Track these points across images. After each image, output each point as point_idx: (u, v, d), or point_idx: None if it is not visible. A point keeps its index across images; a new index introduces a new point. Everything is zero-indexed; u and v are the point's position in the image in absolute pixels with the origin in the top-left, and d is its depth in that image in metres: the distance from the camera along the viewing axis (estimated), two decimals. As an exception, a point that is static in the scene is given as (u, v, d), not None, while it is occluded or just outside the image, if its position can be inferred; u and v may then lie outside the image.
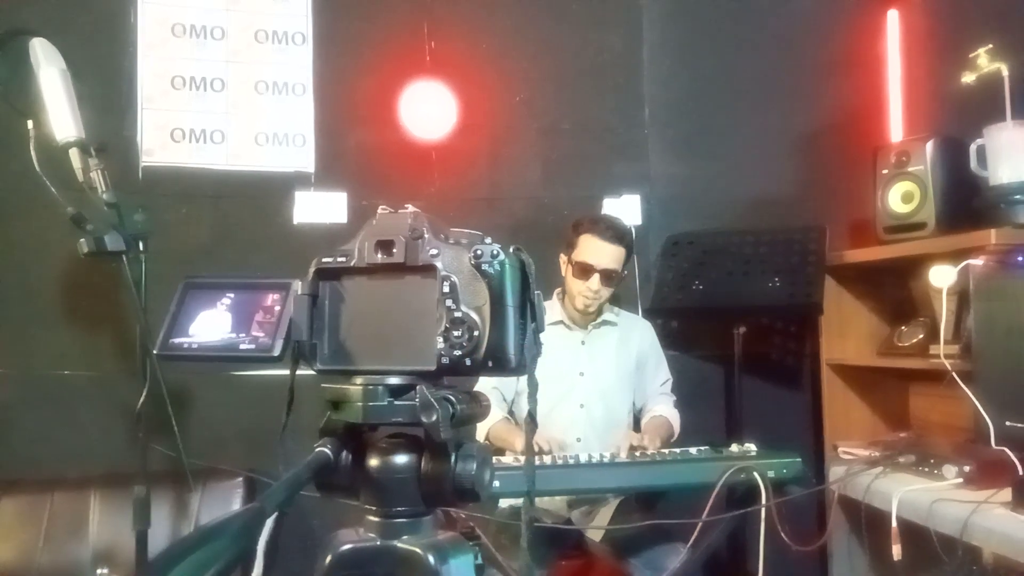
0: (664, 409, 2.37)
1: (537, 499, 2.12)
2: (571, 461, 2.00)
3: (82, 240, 1.75)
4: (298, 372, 0.76)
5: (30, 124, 1.80)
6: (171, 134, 2.54)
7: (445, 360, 0.70)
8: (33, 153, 1.77)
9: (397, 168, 2.65)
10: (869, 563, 2.38)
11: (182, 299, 0.80)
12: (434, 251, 0.72)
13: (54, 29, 1.95)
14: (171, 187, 2.51)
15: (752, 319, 2.56)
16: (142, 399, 1.82)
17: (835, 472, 2.30)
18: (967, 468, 1.90)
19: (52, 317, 2.42)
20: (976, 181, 2.17)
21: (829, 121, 2.77)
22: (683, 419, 2.40)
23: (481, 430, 2.17)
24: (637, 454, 2.04)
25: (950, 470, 1.94)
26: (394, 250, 0.73)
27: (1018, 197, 2.05)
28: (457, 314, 0.70)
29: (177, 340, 0.78)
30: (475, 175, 2.72)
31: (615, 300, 2.43)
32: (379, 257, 0.74)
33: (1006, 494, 1.74)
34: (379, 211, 0.76)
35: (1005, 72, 2.08)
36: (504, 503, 2.14)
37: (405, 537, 0.73)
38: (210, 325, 0.78)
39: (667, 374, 2.45)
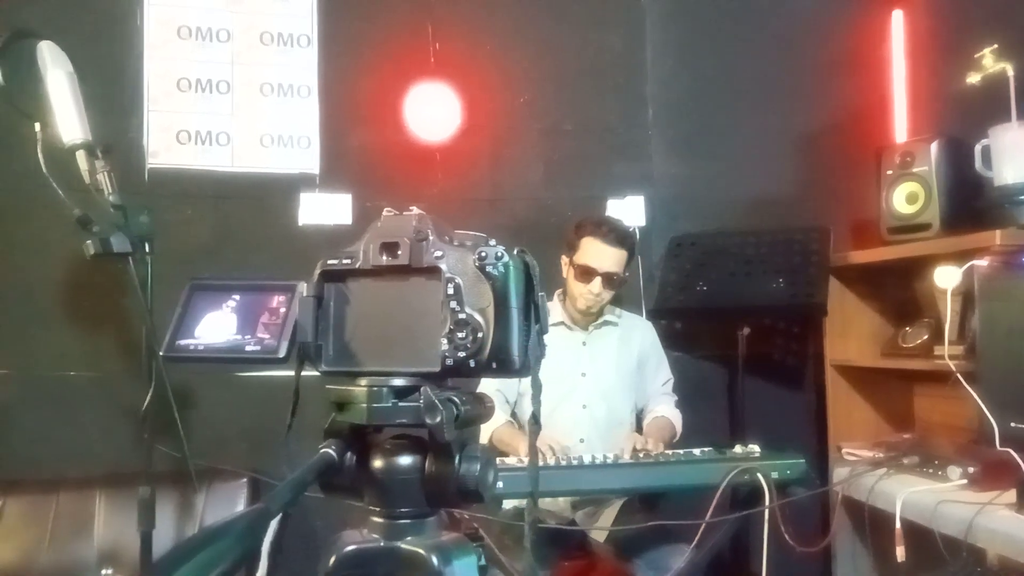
0: (666, 409, 2.37)
1: (540, 500, 2.12)
2: (574, 462, 2.00)
3: (88, 242, 1.76)
4: (303, 373, 0.76)
5: (37, 127, 1.81)
6: (176, 136, 2.55)
7: (449, 361, 0.71)
8: (40, 155, 1.78)
9: (401, 169, 2.65)
10: (873, 564, 2.38)
11: (188, 301, 0.80)
12: (438, 253, 0.72)
13: (60, 31, 1.96)
14: (176, 189, 2.52)
15: (756, 320, 2.56)
16: (147, 400, 1.82)
17: (839, 473, 2.29)
18: (971, 469, 1.90)
19: (56, 318, 2.43)
20: (981, 182, 2.17)
21: (833, 121, 2.76)
22: (686, 420, 2.40)
23: (484, 434, 2.17)
24: (641, 455, 2.04)
25: (954, 471, 1.93)
26: (399, 252, 0.73)
27: (1023, 198, 2.05)
28: (461, 316, 0.71)
29: (183, 342, 0.78)
30: (478, 176, 2.72)
31: (617, 300, 2.43)
32: (384, 259, 0.74)
33: (1011, 495, 1.74)
34: (384, 213, 0.76)
35: (1010, 72, 2.07)
36: (508, 504, 2.14)
37: (409, 538, 0.73)
38: (216, 327, 0.79)
39: (668, 374, 2.45)
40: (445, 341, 0.71)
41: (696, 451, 2.08)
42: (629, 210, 2.70)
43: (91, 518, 2.20)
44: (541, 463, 1.96)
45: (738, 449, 2.07)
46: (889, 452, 2.19)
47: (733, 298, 2.49)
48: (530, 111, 2.75)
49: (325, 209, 2.58)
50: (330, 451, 0.73)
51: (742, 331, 2.52)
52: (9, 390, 2.39)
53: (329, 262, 0.76)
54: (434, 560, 0.71)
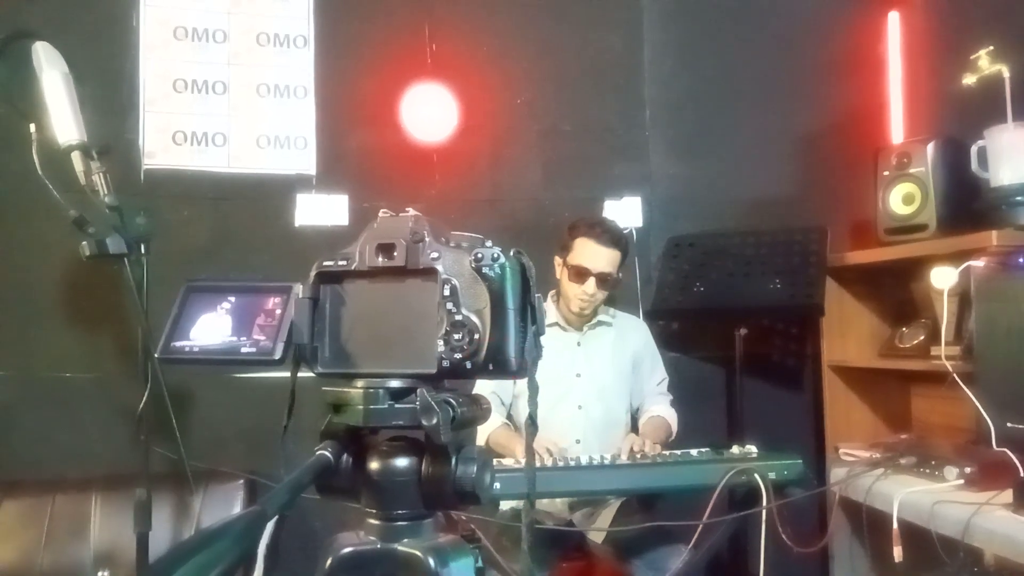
0: (661, 409, 2.37)
1: (538, 501, 2.12)
2: (572, 463, 2.00)
3: (84, 243, 1.76)
4: (299, 375, 0.76)
5: (32, 127, 1.81)
6: (173, 137, 2.54)
7: (446, 363, 0.70)
8: (35, 156, 1.77)
9: (398, 170, 2.65)
10: (870, 565, 2.38)
11: (183, 302, 0.80)
12: (435, 254, 0.72)
13: (56, 32, 1.95)
14: (173, 190, 2.52)
15: (753, 320, 2.56)
16: (143, 401, 1.82)
17: (836, 474, 2.30)
18: (968, 470, 1.90)
19: (53, 319, 2.42)
20: (977, 183, 2.17)
21: (830, 122, 2.77)
22: (684, 421, 2.40)
23: (480, 436, 2.17)
24: (638, 456, 2.04)
25: (951, 472, 1.93)
26: (395, 253, 0.73)
27: (1019, 198, 2.05)
28: (458, 317, 0.70)
29: (178, 343, 0.78)
30: (476, 177, 2.72)
31: (611, 301, 2.44)
32: (380, 260, 0.74)
33: (1007, 496, 1.74)
34: (380, 214, 0.76)
35: (1006, 74, 2.08)
36: (505, 505, 2.14)
37: (406, 540, 0.73)
38: (211, 328, 0.78)
39: (663, 373, 2.46)
40: (441, 343, 0.70)
41: (694, 452, 2.08)
42: (627, 211, 2.71)
43: (88, 519, 2.20)
44: (539, 464, 1.96)
45: (735, 450, 2.08)
46: (886, 452, 2.20)
47: (730, 299, 2.49)
48: (528, 112, 2.75)
49: (322, 210, 2.58)
50: (326, 453, 0.73)
51: (739, 332, 2.52)
52: (6, 391, 2.38)
53: (325, 263, 0.76)
54: (431, 562, 0.71)
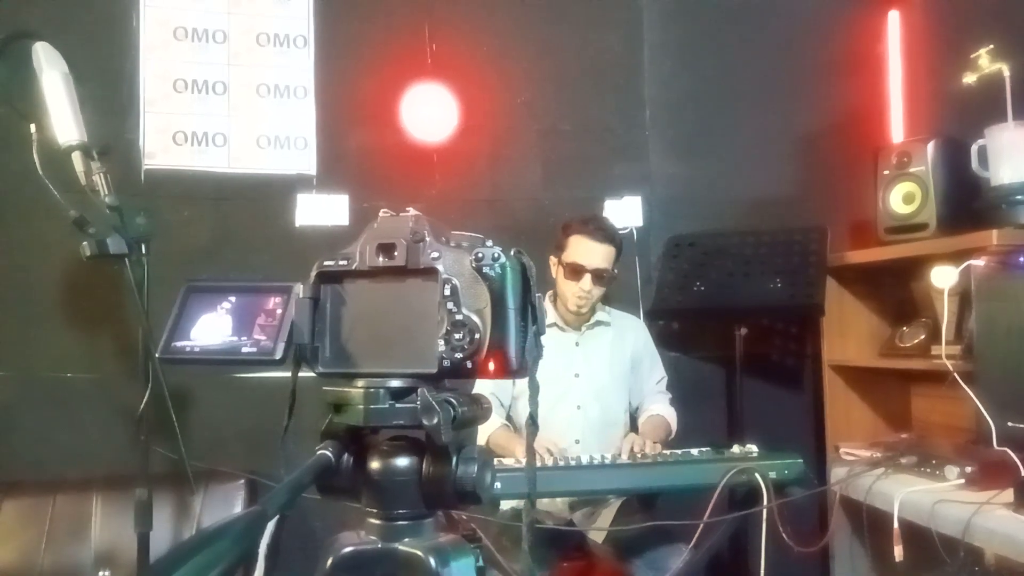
0: (661, 408, 2.37)
1: (538, 501, 2.12)
2: (572, 463, 2.00)
3: (84, 243, 1.76)
4: (300, 375, 0.76)
5: (32, 127, 1.81)
6: (173, 137, 2.54)
7: (446, 363, 0.70)
8: (36, 156, 1.77)
9: (398, 170, 2.65)
10: (871, 564, 2.38)
11: (184, 302, 0.80)
12: (435, 254, 0.72)
13: (56, 32, 1.95)
14: (173, 190, 2.52)
15: (753, 320, 2.56)
16: (144, 401, 1.82)
17: (836, 473, 2.30)
18: (969, 469, 1.90)
19: (54, 319, 2.42)
20: (977, 182, 2.17)
21: (830, 122, 2.77)
22: (684, 420, 2.40)
23: (480, 437, 2.17)
24: (638, 456, 2.04)
25: (952, 471, 1.93)
26: (395, 253, 0.73)
27: (1019, 197, 2.05)
28: (458, 317, 0.70)
29: (179, 343, 0.78)
30: (476, 177, 2.72)
31: (608, 300, 2.44)
32: (380, 260, 0.74)
33: (1008, 495, 1.74)
34: (380, 214, 0.76)
35: (1006, 72, 2.08)
36: (506, 505, 2.14)
37: (406, 540, 0.73)
38: (212, 328, 0.78)
39: (662, 372, 2.46)
40: (442, 342, 0.70)
41: (694, 451, 2.08)
42: (627, 210, 2.71)
43: (88, 520, 2.20)
44: (539, 464, 1.96)
45: (736, 449, 2.07)
46: (887, 452, 2.20)
47: (730, 298, 2.49)
48: (528, 112, 2.75)
49: (322, 210, 2.58)
50: (327, 453, 0.73)
51: (740, 331, 2.52)
52: (6, 391, 2.38)
53: (325, 263, 0.76)
54: (432, 562, 0.71)
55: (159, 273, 1.86)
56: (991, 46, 2.11)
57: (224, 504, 2.26)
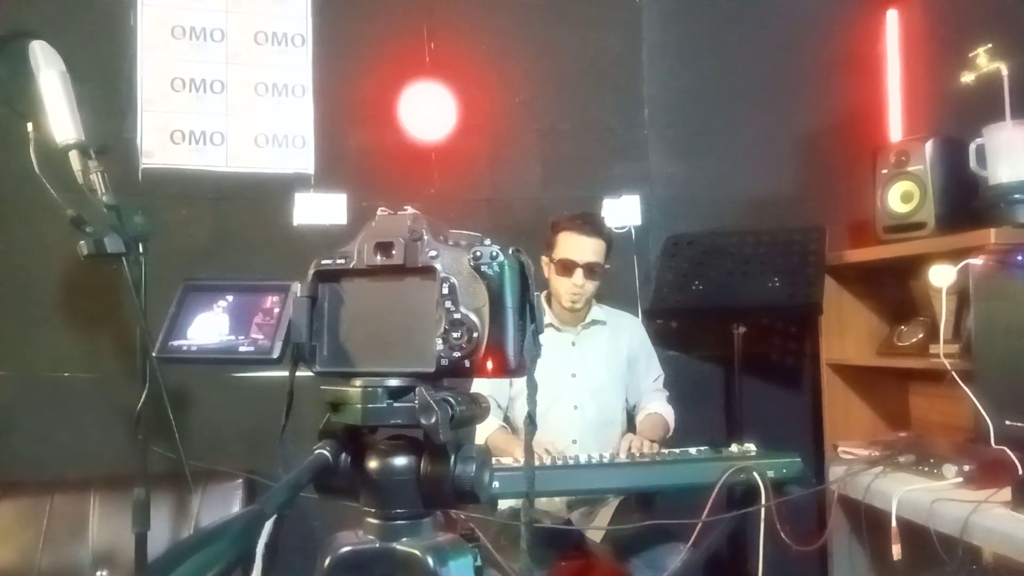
0: (658, 406, 2.37)
1: (537, 500, 2.12)
2: (570, 462, 2.00)
3: (82, 242, 1.75)
4: (297, 374, 0.76)
5: (30, 126, 1.81)
6: (171, 136, 2.54)
7: (444, 362, 0.70)
8: (33, 155, 1.77)
9: (397, 169, 2.65)
10: (869, 563, 2.38)
11: (181, 301, 0.80)
12: (433, 253, 0.72)
13: (54, 31, 1.95)
14: (171, 189, 2.52)
15: (752, 319, 2.56)
16: (142, 401, 1.82)
17: (835, 472, 2.30)
18: (967, 468, 1.91)
19: (52, 319, 2.42)
20: (976, 181, 2.17)
21: (829, 121, 2.77)
22: (683, 420, 2.40)
23: (478, 439, 2.17)
24: (637, 455, 2.04)
25: (950, 469, 1.94)
26: (393, 252, 0.73)
27: (1017, 196, 2.05)
28: (456, 316, 0.70)
29: (176, 343, 0.78)
30: (475, 176, 2.72)
31: (606, 299, 2.44)
32: (378, 259, 0.73)
33: (1006, 493, 1.75)
34: (378, 213, 0.76)
35: (1004, 72, 2.08)
36: (504, 504, 2.14)
37: (404, 539, 0.73)
38: (209, 327, 0.78)
39: (659, 370, 2.46)
40: (440, 341, 0.70)
41: (692, 450, 2.08)
42: (626, 210, 2.71)
43: (86, 519, 2.20)
44: (537, 463, 1.96)
45: (734, 448, 2.08)
46: (885, 451, 2.20)
47: (729, 297, 2.49)
48: (527, 111, 2.75)
49: (320, 209, 2.58)
50: (325, 452, 0.72)
51: (738, 330, 2.52)
52: (5, 391, 2.38)
53: (323, 262, 0.75)
54: (430, 561, 0.70)
55: (157, 272, 1.85)
56: (989, 45, 2.11)
57: (222, 504, 2.25)
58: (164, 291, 0.91)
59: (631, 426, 2.39)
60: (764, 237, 2.54)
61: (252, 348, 0.76)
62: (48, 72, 1.80)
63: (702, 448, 2.09)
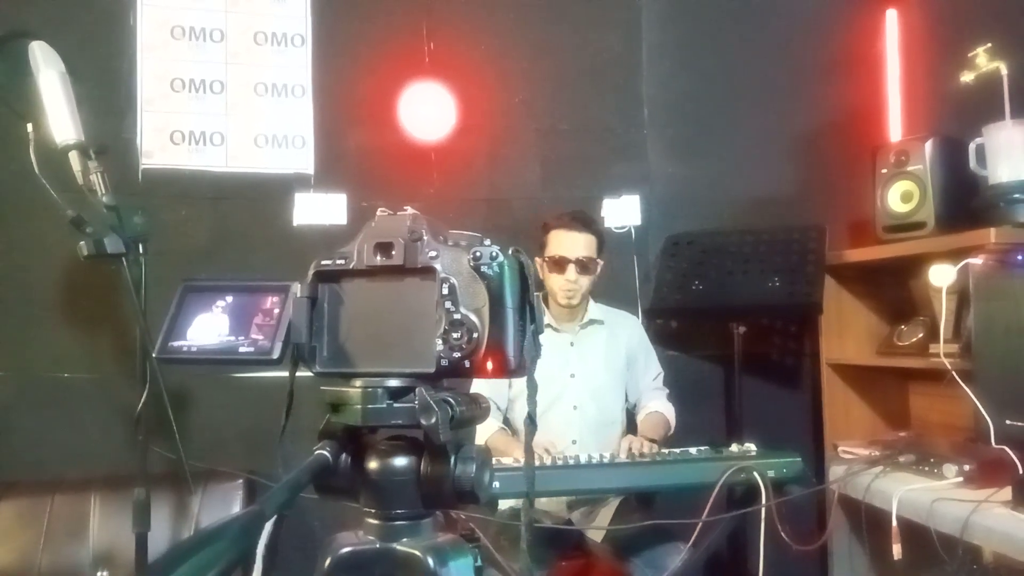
0: (659, 404, 2.37)
1: (537, 500, 2.12)
2: (571, 462, 2.00)
3: (82, 243, 1.76)
4: (297, 374, 0.76)
5: (29, 127, 1.81)
6: (171, 136, 2.54)
7: (444, 362, 0.70)
8: (33, 156, 1.77)
9: (396, 169, 2.65)
10: (869, 562, 2.38)
11: (181, 302, 0.80)
12: (433, 253, 0.72)
13: (53, 31, 1.95)
14: (171, 189, 2.51)
15: (752, 319, 2.56)
16: (142, 401, 1.82)
17: (835, 472, 2.30)
18: (967, 467, 1.90)
19: (52, 319, 2.42)
20: (975, 180, 2.17)
21: (828, 121, 2.77)
22: (683, 419, 2.40)
23: (478, 441, 2.17)
24: (637, 455, 2.04)
25: (950, 469, 1.94)
26: (393, 252, 0.73)
27: (1017, 196, 2.05)
28: (456, 316, 0.70)
29: (176, 343, 0.78)
30: (474, 176, 2.72)
31: (606, 299, 2.44)
32: (378, 259, 0.73)
33: (1006, 493, 1.75)
34: (378, 213, 0.76)
35: (1004, 71, 2.08)
36: (504, 504, 2.14)
37: (405, 539, 0.73)
38: (209, 328, 0.78)
39: (658, 368, 2.46)
40: (440, 342, 0.70)
41: (692, 450, 2.08)
42: (625, 209, 2.71)
43: (86, 520, 2.20)
44: (537, 463, 1.96)
45: (734, 448, 2.07)
46: (885, 450, 2.20)
47: (729, 297, 2.49)
48: (527, 111, 2.75)
49: (320, 209, 2.57)
50: (325, 452, 0.72)
51: (738, 330, 2.52)
52: (5, 391, 2.38)
53: (323, 263, 0.76)
54: (430, 561, 0.70)
55: (157, 272, 1.85)
56: (989, 45, 2.11)
57: (222, 504, 2.25)
58: (164, 291, 0.91)
59: (631, 425, 2.39)
60: (764, 237, 2.54)
61: (252, 349, 0.76)
62: (48, 72, 1.80)
63: (702, 448, 2.09)
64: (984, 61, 2.11)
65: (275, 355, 0.76)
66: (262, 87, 2.61)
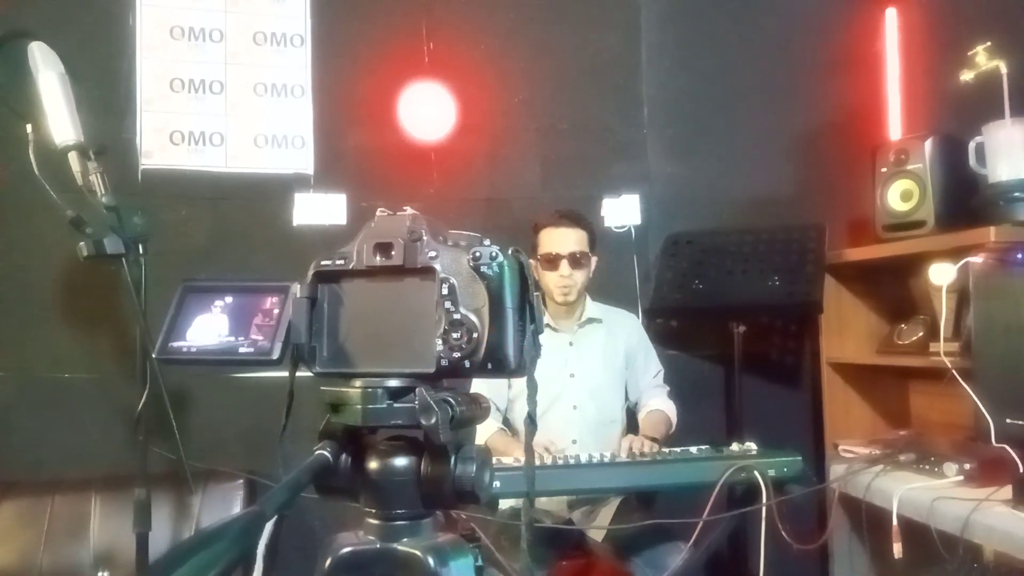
0: (660, 402, 2.37)
1: (538, 500, 2.12)
2: (571, 461, 2.00)
3: (81, 243, 1.75)
4: (297, 374, 0.76)
5: (29, 128, 1.80)
6: (170, 136, 2.54)
7: (444, 362, 0.70)
8: (32, 156, 1.77)
9: (396, 169, 2.65)
10: (870, 561, 2.38)
11: (180, 303, 0.80)
12: (433, 253, 0.72)
13: (53, 32, 1.95)
14: (170, 189, 2.51)
15: (752, 318, 2.56)
16: (142, 401, 1.82)
17: (835, 471, 2.30)
18: (967, 466, 1.91)
19: (52, 320, 2.42)
20: (975, 179, 2.17)
21: (828, 120, 2.77)
22: (683, 419, 2.40)
23: (478, 441, 2.16)
24: (637, 455, 2.04)
25: (950, 468, 1.94)
26: (393, 252, 0.73)
27: (1017, 194, 2.05)
28: (456, 316, 0.70)
29: (176, 344, 0.78)
30: (474, 176, 2.72)
31: (606, 298, 2.44)
32: (378, 259, 0.73)
33: (1006, 492, 1.75)
34: (377, 213, 0.76)
35: (1004, 70, 2.08)
36: (504, 504, 2.14)
37: (405, 539, 0.73)
38: (209, 328, 0.78)
39: (658, 365, 2.46)
40: (440, 342, 0.70)
41: (693, 449, 2.08)
42: (625, 209, 2.71)
43: (87, 520, 2.20)
44: (538, 462, 1.96)
45: (735, 447, 2.08)
46: (885, 449, 2.20)
47: (729, 296, 2.49)
48: (526, 111, 2.75)
49: (320, 209, 2.57)
50: (325, 453, 0.72)
51: (738, 329, 2.52)
52: (5, 392, 2.38)
53: (323, 263, 0.75)
54: (430, 561, 0.70)
55: (156, 273, 1.85)
56: (988, 43, 2.11)
57: (223, 504, 2.25)
58: (164, 292, 0.90)
59: (631, 424, 2.39)
60: (764, 236, 2.54)
61: (252, 349, 0.76)
62: (47, 73, 1.80)
63: (703, 447, 2.09)
64: (984, 60, 2.11)
65: (275, 355, 0.76)
66: (261, 87, 2.61)
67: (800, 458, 2.00)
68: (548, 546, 2.09)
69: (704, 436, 2.27)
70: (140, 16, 2.52)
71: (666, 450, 2.11)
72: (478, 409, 0.76)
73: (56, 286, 2.42)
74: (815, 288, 2.41)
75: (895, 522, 1.89)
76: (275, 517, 0.62)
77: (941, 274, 2.01)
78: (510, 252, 0.73)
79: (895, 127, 2.70)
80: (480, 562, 0.76)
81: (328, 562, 0.73)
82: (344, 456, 0.74)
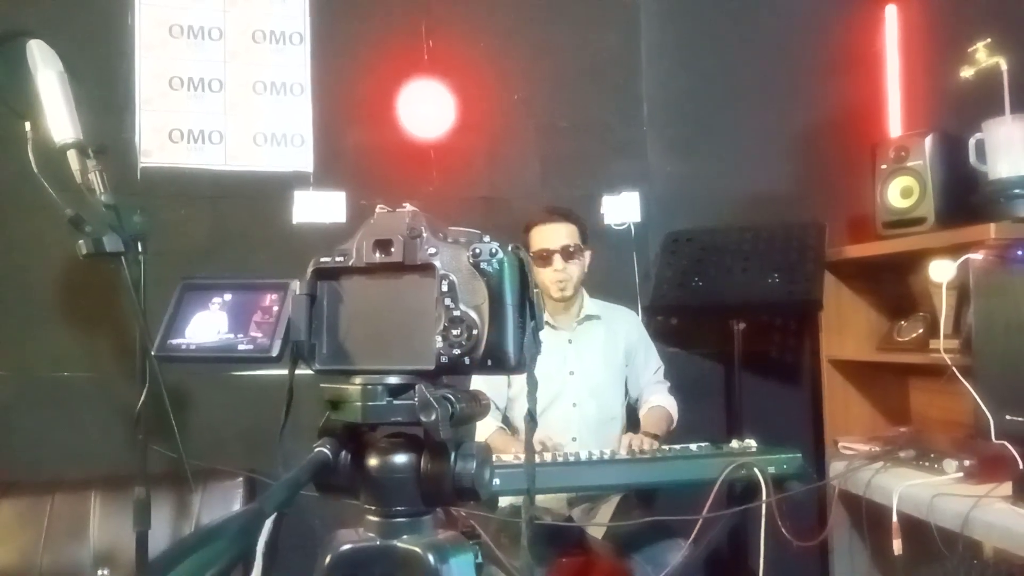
0: (661, 399, 2.37)
1: (538, 497, 2.12)
2: (571, 459, 2.00)
3: (81, 242, 1.75)
4: (297, 372, 0.75)
5: (28, 126, 1.80)
6: (169, 135, 2.54)
7: (444, 359, 0.70)
8: (31, 155, 1.77)
9: (396, 167, 2.65)
10: (870, 558, 2.39)
11: (180, 300, 0.80)
12: (432, 250, 0.72)
13: (52, 31, 1.94)
14: (169, 188, 2.51)
15: (752, 315, 2.56)
16: (141, 400, 1.82)
17: (835, 467, 2.30)
18: (967, 462, 1.90)
19: (51, 318, 2.41)
20: (975, 175, 2.17)
21: (828, 117, 2.77)
22: (683, 416, 2.40)
23: (478, 439, 2.16)
24: (637, 452, 2.04)
25: (950, 464, 1.94)
26: (392, 249, 0.73)
27: (1017, 191, 2.05)
28: (456, 313, 0.70)
29: (175, 341, 0.78)
30: (474, 174, 2.72)
31: (606, 295, 2.43)
32: (377, 256, 0.73)
33: (1006, 488, 1.75)
34: (377, 210, 0.76)
35: (1004, 66, 2.08)
36: (504, 501, 2.14)
37: (405, 537, 0.73)
38: (208, 326, 0.78)
39: (658, 362, 2.46)
40: (440, 339, 0.70)
41: (693, 446, 2.08)
42: (625, 207, 2.71)
43: (87, 519, 2.20)
44: (538, 460, 1.96)
45: (735, 444, 2.07)
46: (885, 446, 2.20)
47: (729, 294, 2.49)
48: (526, 109, 2.74)
49: (319, 207, 2.57)
50: (325, 450, 0.72)
51: (738, 327, 2.52)
52: (4, 391, 2.38)
53: (322, 260, 0.75)
54: (430, 559, 0.70)
55: (156, 271, 1.85)
56: (988, 40, 2.11)
57: (223, 502, 2.25)
58: (163, 290, 0.90)
59: (632, 420, 2.39)
60: (763, 233, 2.54)
61: (251, 346, 0.76)
62: (46, 72, 1.80)
63: (702, 444, 2.09)
64: (984, 56, 2.10)
65: (274, 353, 0.75)
66: (261, 85, 2.61)
67: (800, 455, 2.00)
68: (548, 543, 2.09)
69: (704, 433, 2.27)
70: (139, 14, 2.52)
71: (666, 447, 2.10)
72: (478, 406, 0.76)
73: (56, 285, 2.42)
74: (815, 285, 2.41)
75: (895, 519, 1.89)
76: (275, 515, 0.62)
77: (941, 271, 2.01)
78: (510, 249, 0.73)
79: (895, 124, 2.70)
80: (480, 559, 0.76)
81: (328, 559, 0.73)
82: (344, 453, 0.74)
